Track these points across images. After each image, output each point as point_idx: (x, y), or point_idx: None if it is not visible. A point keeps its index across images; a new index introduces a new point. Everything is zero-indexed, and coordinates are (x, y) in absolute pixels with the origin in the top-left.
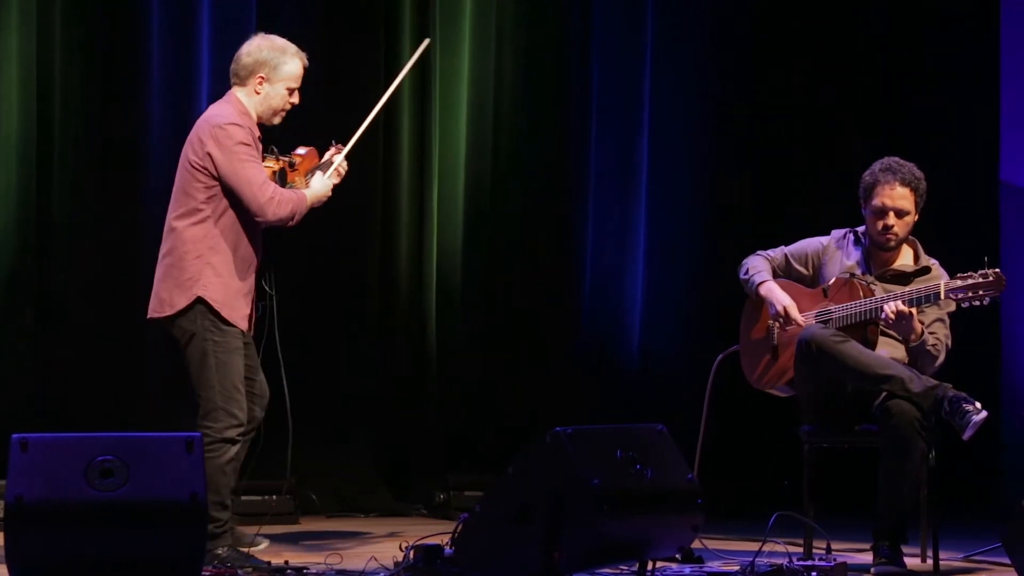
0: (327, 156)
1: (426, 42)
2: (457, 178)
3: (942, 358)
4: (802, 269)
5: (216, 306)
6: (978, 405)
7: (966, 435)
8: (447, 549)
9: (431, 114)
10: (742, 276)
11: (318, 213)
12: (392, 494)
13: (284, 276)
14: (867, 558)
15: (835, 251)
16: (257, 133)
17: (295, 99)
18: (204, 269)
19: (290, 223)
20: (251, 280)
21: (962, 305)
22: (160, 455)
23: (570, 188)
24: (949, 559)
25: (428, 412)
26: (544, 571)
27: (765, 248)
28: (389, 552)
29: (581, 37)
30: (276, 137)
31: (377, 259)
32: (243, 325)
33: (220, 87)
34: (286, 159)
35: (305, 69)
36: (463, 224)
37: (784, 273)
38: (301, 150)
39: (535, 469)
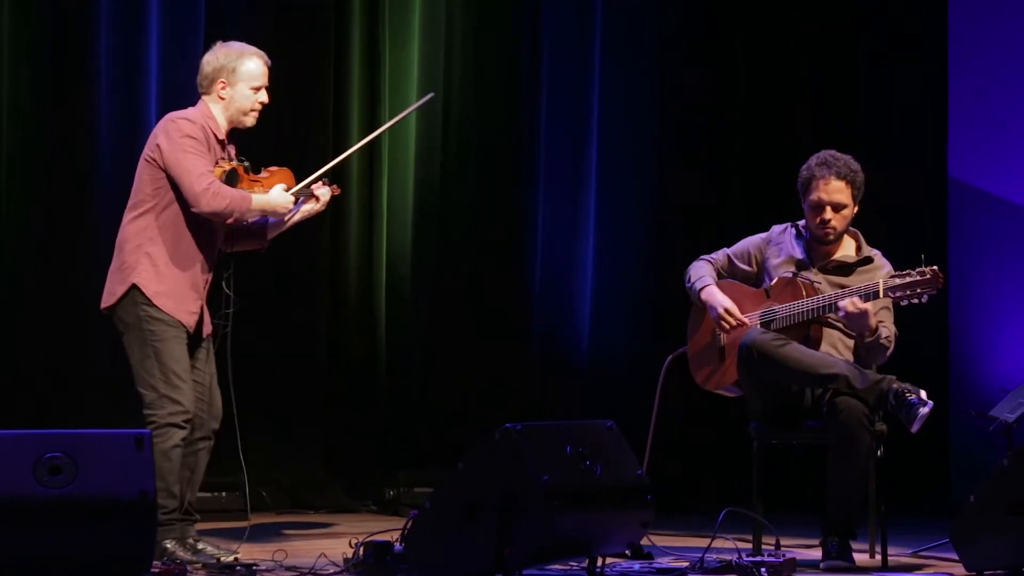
0: (312, 188)
1: (430, 95)
2: (407, 174)
3: (891, 348)
4: (746, 267)
5: (148, 293)
6: (923, 394)
7: (914, 428)
8: (397, 545)
9: (380, 109)
10: (687, 285)
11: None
12: (342, 490)
13: (232, 274)
14: (816, 554)
15: (777, 245)
16: (221, 136)
17: (263, 97)
18: (141, 259)
19: (228, 219)
20: (198, 277)
21: (900, 303)
22: (109, 452)
23: (520, 184)
24: (898, 555)
25: (378, 408)
26: (494, 567)
27: (712, 249)
28: (339, 548)
29: (531, 30)
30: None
31: (327, 256)
32: (185, 319)
33: (169, 88)
34: (242, 163)
35: (269, 68)
36: (412, 221)
37: (729, 274)
38: (274, 167)
39: (485, 465)
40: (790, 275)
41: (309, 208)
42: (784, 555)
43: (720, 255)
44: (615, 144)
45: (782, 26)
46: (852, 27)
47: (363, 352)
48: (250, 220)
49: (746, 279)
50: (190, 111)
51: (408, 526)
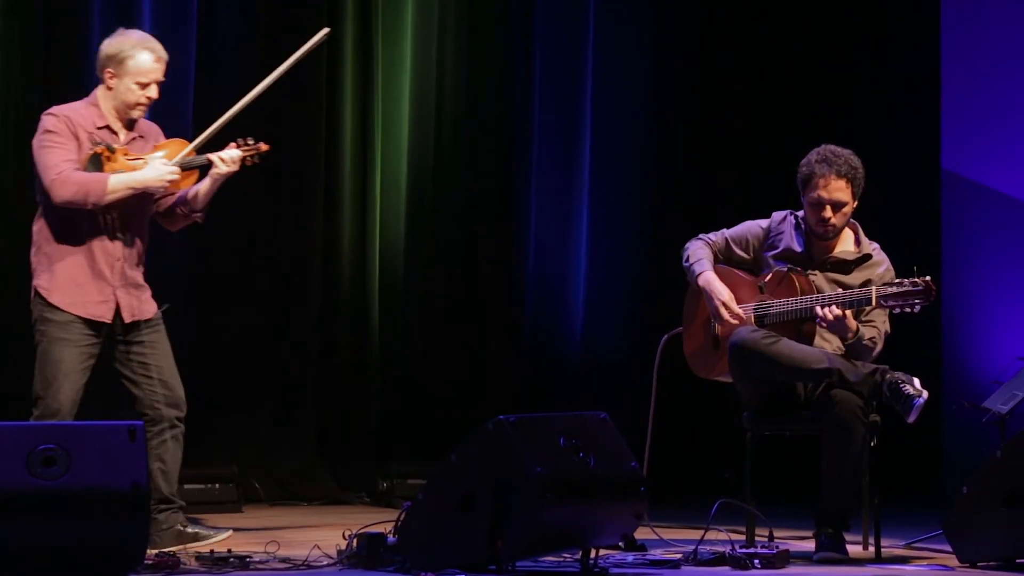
0: (224, 152)
1: (324, 31)
2: (400, 167)
3: (879, 347)
4: (743, 254)
5: (43, 292)
6: (917, 384)
7: (911, 418)
8: (390, 537)
9: (373, 103)
10: (684, 264)
11: (257, 203)
12: (335, 482)
13: (226, 266)
14: (809, 545)
15: (777, 235)
16: (103, 124)
17: (151, 93)
18: (41, 260)
19: (87, 206)
20: (103, 266)
21: (893, 312)
22: (102, 443)
23: (513, 176)
24: (891, 546)
25: (371, 401)
26: (487, 559)
27: (706, 230)
28: (332, 540)
29: (523, 24)
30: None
31: (320, 249)
32: (84, 311)
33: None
34: (104, 146)
35: (165, 63)
36: (405, 213)
37: (725, 258)
38: (165, 141)
39: (478, 457)
40: (785, 269)
41: (217, 172)
42: (777, 547)
43: (719, 237)
44: (608, 134)
45: (779, 17)
46: (847, 20)
47: (356, 344)
48: (112, 200)
49: (741, 264)
50: (69, 104)
51: (401, 518)
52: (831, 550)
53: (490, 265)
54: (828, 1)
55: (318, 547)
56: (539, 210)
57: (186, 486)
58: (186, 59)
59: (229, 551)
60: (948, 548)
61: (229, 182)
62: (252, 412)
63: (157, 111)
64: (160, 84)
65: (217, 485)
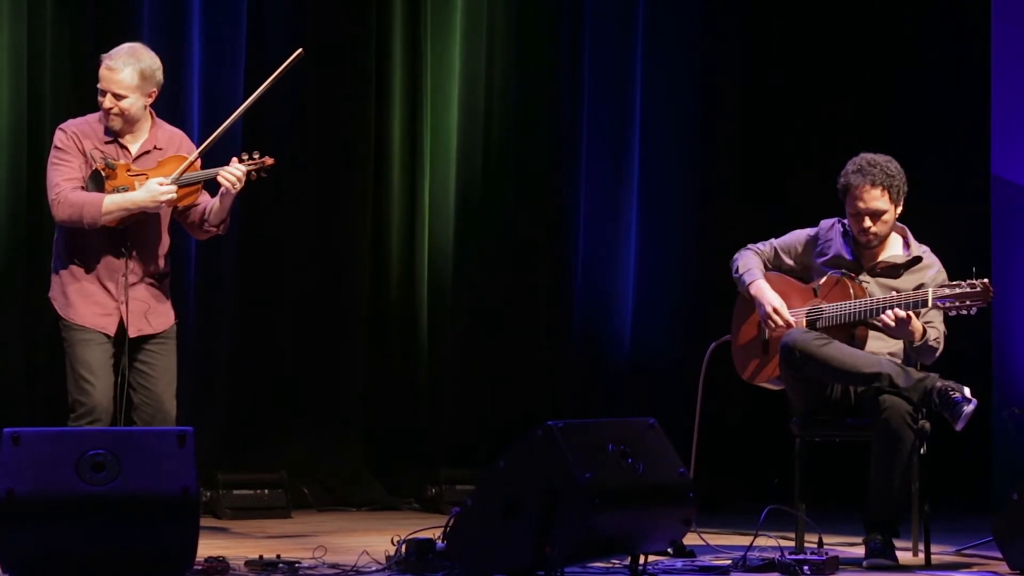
0: (227, 167)
1: (298, 52)
2: (448, 175)
3: (941, 348)
4: (791, 262)
5: (55, 304)
6: (967, 392)
7: (959, 426)
8: (439, 543)
9: (422, 111)
10: (734, 275)
11: (307, 209)
12: (384, 488)
13: (274, 272)
14: (859, 552)
15: (825, 242)
16: (106, 138)
17: (106, 102)
18: (54, 275)
19: (84, 225)
20: (108, 279)
21: (949, 313)
22: (151, 449)
23: (561, 184)
24: (941, 553)
25: (420, 406)
26: (535, 565)
27: (755, 240)
28: (381, 546)
29: (572, 33)
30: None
31: (369, 255)
32: (90, 323)
33: (210, 83)
34: (103, 163)
35: (116, 73)
36: (454, 220)
37: (774, 266)
38: (167, 158)
39: (527, 463)
40: (839, 274)
41: (223, 188)
42: (827, 553)
43: (767, 247)
44: (657, 140)
45: (825, 22)
46: (895, 26)
47: (404, 349)
48: (108, 221)
49: (790, 273)
50: (83, 117)
51: (450, 523)
52: (881, 556)
53: (539, 272)
54: (876, 8)
55: (367, 553)
56: (588, 218)
57: (235, 492)
58: (234, 74)
59: (278, 556)
60: (998, 555)
61: (280, 189)
62: (301, 418)
63: (209, 117)
64: (117, 96)
65: (266, 491)
